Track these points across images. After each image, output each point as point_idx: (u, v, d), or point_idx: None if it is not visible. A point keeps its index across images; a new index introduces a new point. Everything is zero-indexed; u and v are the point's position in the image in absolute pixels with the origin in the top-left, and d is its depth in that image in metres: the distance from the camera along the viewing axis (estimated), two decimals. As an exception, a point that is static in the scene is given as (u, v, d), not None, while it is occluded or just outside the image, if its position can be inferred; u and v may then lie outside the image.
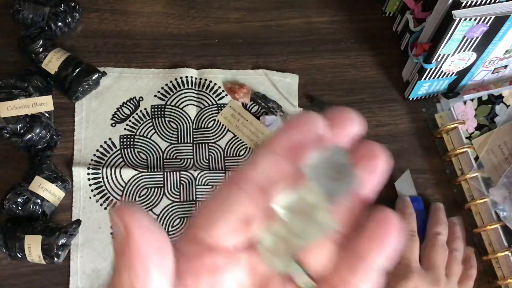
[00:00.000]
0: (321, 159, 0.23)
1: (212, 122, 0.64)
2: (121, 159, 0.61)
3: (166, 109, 0.63)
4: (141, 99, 0.63)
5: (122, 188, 0.60)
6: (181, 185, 0.61)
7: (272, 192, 0.23)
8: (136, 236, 0.20)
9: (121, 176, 0.60)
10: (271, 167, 0.23)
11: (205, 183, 0.61)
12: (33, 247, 0.53)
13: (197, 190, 0.61)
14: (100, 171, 0.60)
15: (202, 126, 0.63)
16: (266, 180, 0.23)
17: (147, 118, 0.63)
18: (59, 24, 0.62)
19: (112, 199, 0.60)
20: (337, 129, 0.24)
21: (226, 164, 0.63)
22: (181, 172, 0.61)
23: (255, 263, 0.23)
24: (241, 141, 0.63)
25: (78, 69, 0.60)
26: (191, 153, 0.62)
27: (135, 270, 0.20)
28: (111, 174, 0.60)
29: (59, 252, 0.54)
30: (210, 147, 0.63)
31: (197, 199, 0.61)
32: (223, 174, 0.62)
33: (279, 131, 0.24)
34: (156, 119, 0.63)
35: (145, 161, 0.61)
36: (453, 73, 0.64)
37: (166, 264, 0.21)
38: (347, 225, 0.24)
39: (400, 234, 0.23)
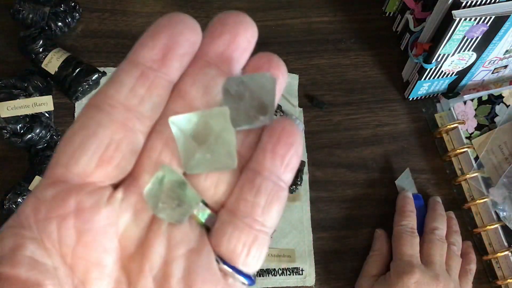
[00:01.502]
0: (245, 84, 0.20)
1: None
2: (121, 159, 0.61)
3: (166, 109, 0.63)
4: (141, 99, 0.63)
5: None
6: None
7: (141, 110, 0.19)
8: None
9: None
10: (137, 81, 0.19)
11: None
12: (33, 247, 0.53)
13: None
14: (100, 171, 0.60)
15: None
16: (134, 98, 0.19)
17: (147, 118, 0.63)
18: (59, 24, 0.62)
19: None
20: (227, 37, 0.21)
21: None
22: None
23: (138, 202, 0.20)
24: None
25: (78, 69, 0.60)
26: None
27: None
28: (111, 174, 0.60)
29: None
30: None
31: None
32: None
33: (143, 39, 0.20)
34: (156, 119, 0.63)
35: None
36: (453, 73, 0.64)
37: None
38: (246, 145, 0.21)
39: (297, 135, 0.20)
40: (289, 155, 0.20)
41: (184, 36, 0.20)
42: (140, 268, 0.19)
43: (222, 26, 0.21)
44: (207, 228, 0.21)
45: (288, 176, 0.20)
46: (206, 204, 0.21)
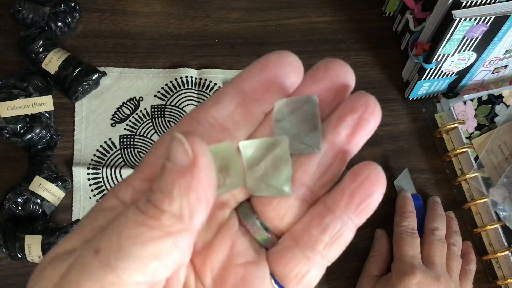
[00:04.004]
0: (293, 110, 0.21)
1: (212, 122, 0.64)
2: (121, 159, 0.61)
3: (166, 109, 0.63)
4: (141, 99, 0.63)
5: (122, 188, 0.60)
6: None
7: (234, 133, 0.21)
8: (201, 165, 0.18)
9: (121, 176, 0.60)
10: (237, 107, 0.21)
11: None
12: (33, 247, 0.53)
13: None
14: (100, 171, 0.60)
15: (202, 126, 0.63)
16: (231, 122, 0.21)
17: (147, 118, 0.63)
18: (59, 24, 0.62)
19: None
20: (327, 83, 0.22)
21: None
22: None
23: (212, 210, 0.22)
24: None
25: (78, 69, 0.60)
26: (191, 153, 0.62)
27: (189, 195, 0.18)
28: (111, 174, 0.60)
29: (59, 252, 0.54)
30: (210, 147, 0.63)
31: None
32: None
33: (250, 69, 0.22)
34: (156, 119, 0.63)
35: (145, 161, 0.61)
36: (453, 73, 0.64)
37: (209, 202, 0.19)
38: (322, 182, 0.22)
39: (379, 187, 0.21)
40: (366, 203, 0.21)
41: (288, 77, 0.21)
42: (203, 267, 0.22)
43: (324, 72, 0.22)
44: (266, 248, 0.22)
45: (360, 220, 0.21)
46: (266, 229, 0.22)
